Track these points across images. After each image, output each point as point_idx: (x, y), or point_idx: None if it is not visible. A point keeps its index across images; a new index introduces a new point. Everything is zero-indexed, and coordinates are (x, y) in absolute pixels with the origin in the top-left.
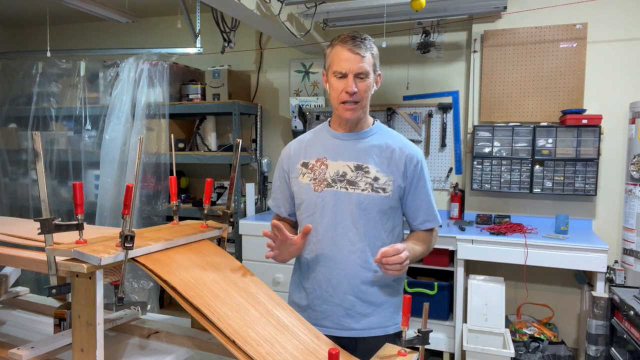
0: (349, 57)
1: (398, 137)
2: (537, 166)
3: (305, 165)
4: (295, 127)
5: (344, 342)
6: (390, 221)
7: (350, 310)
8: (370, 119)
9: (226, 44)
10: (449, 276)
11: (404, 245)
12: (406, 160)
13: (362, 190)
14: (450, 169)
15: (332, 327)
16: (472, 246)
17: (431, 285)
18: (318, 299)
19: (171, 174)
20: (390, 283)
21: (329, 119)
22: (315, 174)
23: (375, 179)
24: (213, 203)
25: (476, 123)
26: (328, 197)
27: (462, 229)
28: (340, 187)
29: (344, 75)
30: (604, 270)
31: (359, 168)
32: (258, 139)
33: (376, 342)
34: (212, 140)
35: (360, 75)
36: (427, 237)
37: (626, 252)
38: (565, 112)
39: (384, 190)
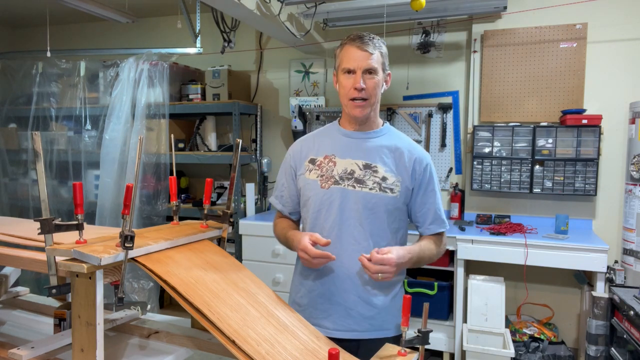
0: (356, 54)
1: (407, 139)
2: (537, 166)
3: (312, 161)
4: (295, 127)
5: (345, 345)
6: (395, 222)
7: (351, 311)
8: (380, 120)
9: (226, 44)
10: (449, 276)
11: (401, 252)
12: (415, 163)
13: (370, 189)
14: (450, 169)
15: (333, 329)
16: (472, 246)
17: (431, 285)
18: (320, 296)
19: (171, 174)
20: (395, 284)
21: (338, 118)
22: (322, 170)
23: (384, 178)
24: (213, 203)
25: (476, 123)
26: (335, 194)
27: (462, 229)
28: (348, 184)
29: (352, 72)
30: (604, 270)
31: (367, 167)
32: (258, 139)
33: (378, 346)
34: (212, 140)
35: (368, 72)
36: (437, 241)
37: (626, 252)
38: (565, 112)
39: (391, 190)
